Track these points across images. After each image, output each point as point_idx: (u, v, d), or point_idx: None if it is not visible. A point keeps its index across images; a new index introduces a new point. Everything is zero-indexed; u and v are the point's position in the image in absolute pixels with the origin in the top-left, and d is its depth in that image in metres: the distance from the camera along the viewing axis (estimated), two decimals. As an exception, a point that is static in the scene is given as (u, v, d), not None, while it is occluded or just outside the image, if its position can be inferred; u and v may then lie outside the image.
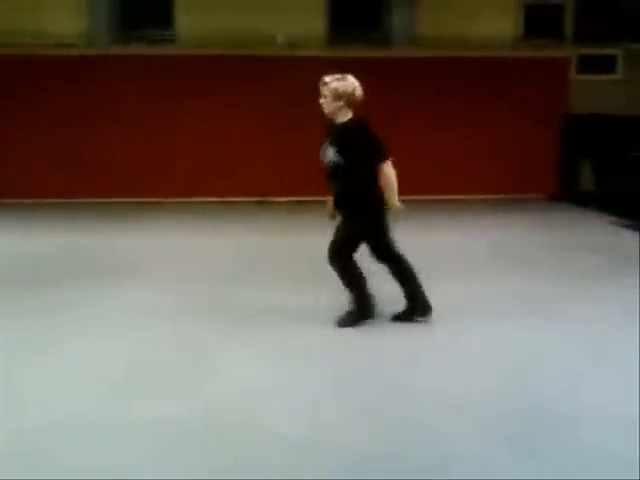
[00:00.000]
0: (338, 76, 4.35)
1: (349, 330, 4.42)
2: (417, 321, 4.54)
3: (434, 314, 4.59)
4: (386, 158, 4.32)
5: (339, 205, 4.49)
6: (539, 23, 10.86)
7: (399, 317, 4.57)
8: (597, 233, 7.88)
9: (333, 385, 3.58)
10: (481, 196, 10.37)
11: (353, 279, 4.49)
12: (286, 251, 6.75)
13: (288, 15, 10.17)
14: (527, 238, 7.60)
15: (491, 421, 3.14)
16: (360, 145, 4.30)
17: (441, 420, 3.16)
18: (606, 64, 10.66)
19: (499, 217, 9.00)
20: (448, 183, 10.41)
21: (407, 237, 7.41)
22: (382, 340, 4.27)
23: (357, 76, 4.47)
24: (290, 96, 9.82)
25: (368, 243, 4.50)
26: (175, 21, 10.32)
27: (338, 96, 4.30)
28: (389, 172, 4.30)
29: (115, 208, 9.57)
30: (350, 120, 4.37)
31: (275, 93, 9.86)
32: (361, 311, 4.53)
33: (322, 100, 4.37)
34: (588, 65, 10.62)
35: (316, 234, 7.24)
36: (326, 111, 4.39)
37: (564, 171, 10.65)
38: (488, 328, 4.50)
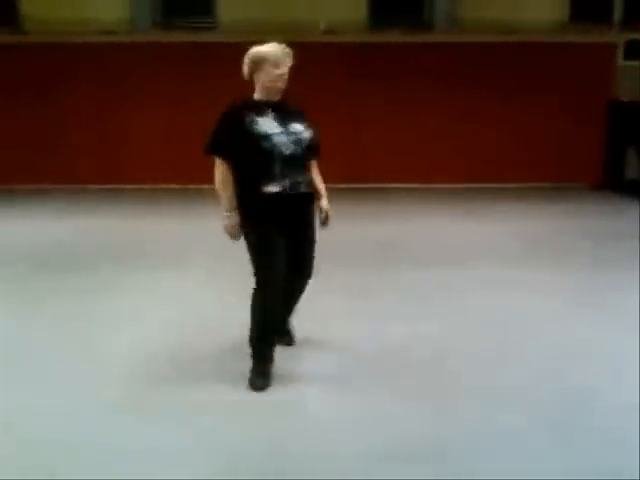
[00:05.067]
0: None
1: (387, 316, 4.45)
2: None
3: (472, 301, 4.59)
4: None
5: (305, 198, 3.47)
6: (587, 6, 10.59)
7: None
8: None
9: (367, 370, 3.60)
10: (524, 184, 10.22)
11: None
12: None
13: (330, 1, 10.15)
14: (570, 226, 7.49)
15: (534, 407, 3.14)
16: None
17: (483, 404, 3.17)
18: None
19: (542, 205, 8.87)
20: (491, 170, 10.29)
21: (452, 225, 7.53)
22: (417, 328, 4.28)
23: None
24: (331, 81, 9.84)
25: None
26: (216, 8, 10.39)
27: None
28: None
29: (155, 194, 9.75)
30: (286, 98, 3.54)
31: (315, 79, 9.85)
32: None
33: (285, 70, 3.41)
34: (636, 50, 10.32)
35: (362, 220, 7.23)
36: (282, 85, 3.43)
37: (609, 159, 10.42)
38: (529, 315, 4.47)
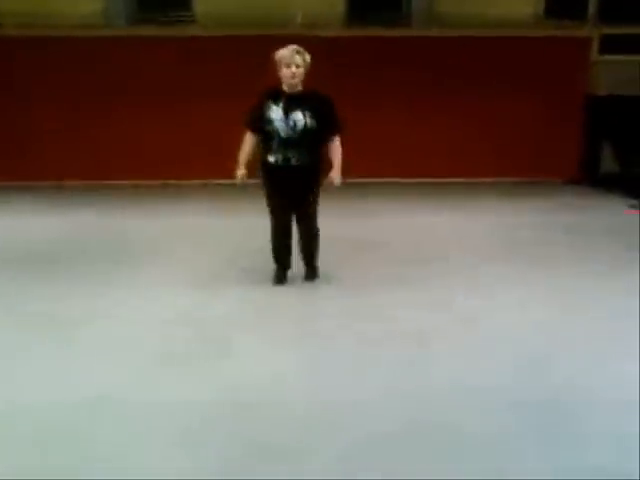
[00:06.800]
0: (302, 48, 4.50)
1: (363, 312, 4.44)
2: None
3: (451, 298, 4.61)
4: (342, 131, 4.66)
5: (300, 170, 4.59)
6: (562, 0, 10.65)
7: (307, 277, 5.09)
8: (617, 216, 7.80)
9: (348, 365, 3.61)
10: (499, 179, 10.28)
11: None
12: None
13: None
14: (547, 220, 7.56)
15: (509, 406, 3.16)
16: (332, 111, 4.61)
17: (457, 403, 3.18)
18: (630, 44, 10.42)
19: (519, 200, 8.94)
20: (465, 165, 10.33)
21: (428, 220, 7.55)
22: (398, 323, 4.28)
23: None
24: (309, 76, 9.77)
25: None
26: (193, 1, 10.28)
27: (307, 67, 4.50)
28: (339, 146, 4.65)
29: (134, 190, 9.64)
30: (311, 88, 4.61)
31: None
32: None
33: (295, 70, 4.43)
34: (611, 45, 10.41)
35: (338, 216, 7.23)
36: (296, 80, 4.49)
37: (585, 154, 10.53)
38: (502, 311, 4.50)
